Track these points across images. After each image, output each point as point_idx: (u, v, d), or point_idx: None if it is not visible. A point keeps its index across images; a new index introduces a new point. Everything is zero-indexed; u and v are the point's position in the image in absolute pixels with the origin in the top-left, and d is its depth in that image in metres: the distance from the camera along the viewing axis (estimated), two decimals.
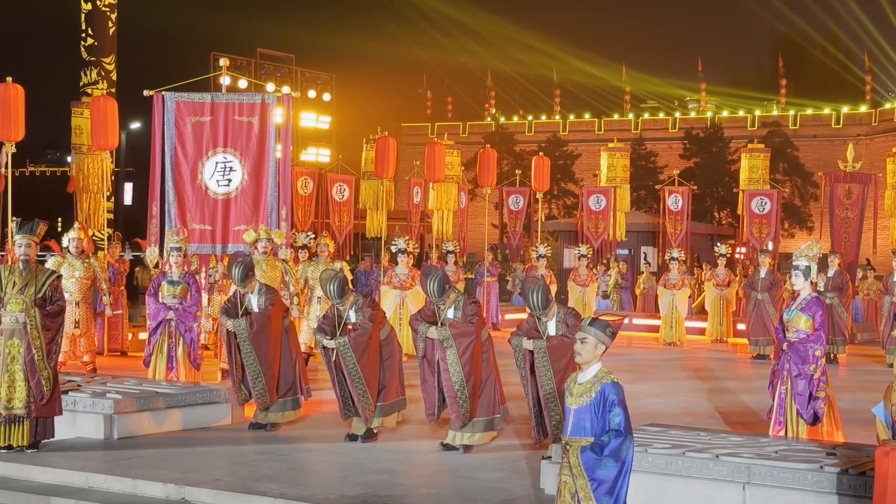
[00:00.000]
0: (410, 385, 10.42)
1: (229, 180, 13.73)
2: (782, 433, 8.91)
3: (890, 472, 5.76)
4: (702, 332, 21.97)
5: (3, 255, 14.43)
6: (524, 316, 10.30)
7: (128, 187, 43.45)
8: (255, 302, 10.54)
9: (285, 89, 16.34)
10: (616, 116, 58.93)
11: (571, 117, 59.10)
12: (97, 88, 20.33)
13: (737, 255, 27.00)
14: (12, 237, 11.87)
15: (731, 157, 46.64)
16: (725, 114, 56.21)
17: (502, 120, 60.42)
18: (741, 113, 55.81)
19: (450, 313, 9.39)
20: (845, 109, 53.91)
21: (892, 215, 22.85)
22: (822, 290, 17.06)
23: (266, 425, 10.46)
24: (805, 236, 44.49)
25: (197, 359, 12.29)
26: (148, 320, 12.31)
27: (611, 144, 28.19)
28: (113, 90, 20.60)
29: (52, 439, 9.30)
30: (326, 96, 48.84)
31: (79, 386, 10.46)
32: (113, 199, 20.92)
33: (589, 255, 23.05)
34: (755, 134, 48.24)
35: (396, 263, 17.22)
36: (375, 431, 9.92)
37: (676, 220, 26.22)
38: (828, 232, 23.12)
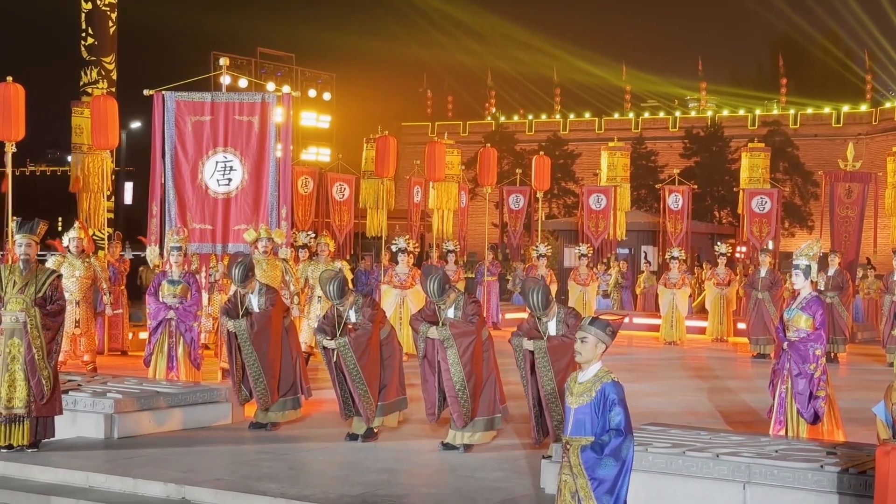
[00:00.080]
0: (411, 384, 10.42)
1: (229, 180, 13.73)
2: (783, 432, 8.91)
3: (890, 471, 5.76)
4: (702, 331, 21.97)
5: (3, 255, 14.44)
6: (524, 315, 10.29)
7: (128, 187, 43.48)
8: (255, 302, 10.54)
9: (285, 89, 16.37)
10: (616, 116, 58.91)
11: (572, 116, 59.10)
12: (97, 88, 20.33)
13: (737, 255, 26.99)
14: (12, 237, 11.87)
15: (732, 157, 46.65)
16: (726, 113, 56.20)
17: (502, 119, 60.41)
18: (741, 112, 55.80)
19: (450, 313, 9.39)
20: (846, 108, 53.90)
21: (893, 214, 22.84)
22: (822, 289, 17.06)
23: (266, 425, 10.46)
24: (805, 235, 44.48)
25: (197, 358, 12.29)
26: (148, 320, 12.32)
27: (611, 143, 28.16)
28: (113, 89, 20.61)
29: (52, 439, 9.31)
30: (327, 95, 48.81)
31: (79, 385, 10.46)
32: (113, 199, 20.92)
33: (589, 255, 23.04)
34: (755, 133, 48.30)
35: (397, 263, 17.22)
36: (376, 431, 9.93)
37: (677, 220, 26.21)
38: (828, 231, 23.14)
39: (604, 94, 61.02)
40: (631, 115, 58.36)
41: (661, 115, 58.20)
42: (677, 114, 57.59)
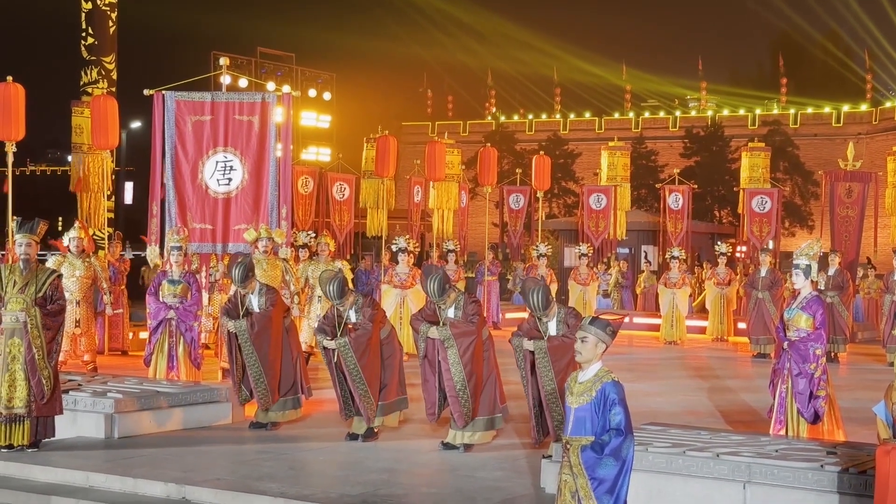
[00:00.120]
0: (411, 384, 10.41)
1: (230, 179, 13.72)
2: (783, 432, 8.90)
3: (891, 471, 5.75)
4: (702, 330, 21.96)
5: (3, 255, 14.44)
6: (525, 315, 10.30)
7: (128, 186, 43.50)
8: (255, 302, 10.54)
9: (286, 88, 16.37)
10: (616, 115, 58.94)
11: (572, 116, 59.13)
12: (97, 87, 20.34)
13: (737, 254, 26.99)
14: (13, 236, 11.87)
15: (732, 156, 46.66)
16: (726, 112, 56.22)
17: (503, 119, 60.44)
18: (742, 112, 55.83)
19: (450, 312, 9.39)
20: (846, 108, 53.91)
21: (893, 214, 22.85)
22: (822, 288, 17.06)
23: (267, 424, 10.46)
24: (805, 235, 44.48)
25: (197, 358, 12.29)
26: (148, 319, 12.31)
27: (611, 143, 28.15)
28: (113, 89, 20.61)
29: (52, 438, 9.31)
30: (327, 95, 48.81)
31: (79, 385, 10.46)
32: (113, 199, 20.92)
33: (589, 254, 23.03)
34: (756, 133, 48.32)
35: (397, 262, 17.21)
36: (376, 430, 9.93)
37: (677, 219, 26.20)
38: (828, 230, 23.14)
39: (604, 93, 61.14)
40: (631, 114, 58.39)
41: (662, 114, 58.24)
42: (677, 113, 57.62)
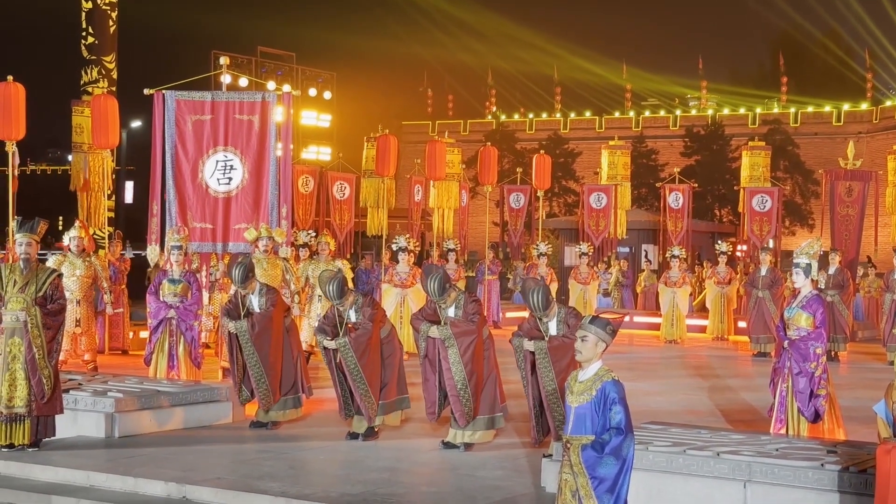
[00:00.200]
0: (411, 384, 10.41)
1: (230, 179, 13.73)
2: (783, 431, 8.90)
3: (891, 470, 5.75)
4: (703, 329, 21.97)
5: (3, 254, 14.43)
6: (525, 314, 10.29)
7: (129, 186, 43.52)
8: (256, 303, 10.54)
9: (286, 87, 16.38)
10: (617, 114, 58.92)
11: (572, 115, 59.10)
12: (98, 87, 20.32)
13: (738, 253, 26.98)
14: (13, 236, 11.87)
15: (732, 155, 46.66)
16: (726, 111, 56.20)
17: (503, 118, 60.42)
18: (742, 111, 55.81)
19: (451, 312, 9.39)
20: (846, 107, 53.89)
21: (893, 212, 22.83)
22: (822, 287, 17.06)
23: (267, 424, 10.46)
24: (806, 234, 44.48)
25: (198, 357, 12.30)
26: (149, 319, 12.31)
27: (611, 142, 28.14)
28: (113, 89, 20.60)
29: (53, 438, 9.31)
30: (327, 94, 48.77)
31: (80, 384, 10.46)
32: (114, 198, 20.91)
33: (590, 253, 23.03)
34: (756, 131, 48.29)
35: (397, 262, 17.21)
36: (376, 430, 9.93)
37: (677, 218, 26.19)
38: (829, 229, 23.14)
39: (604, 92, 61.13)
40: (631, 113, 58.37)
41: (662, 113, 58.22)
42: (678, 112, 57.60)
